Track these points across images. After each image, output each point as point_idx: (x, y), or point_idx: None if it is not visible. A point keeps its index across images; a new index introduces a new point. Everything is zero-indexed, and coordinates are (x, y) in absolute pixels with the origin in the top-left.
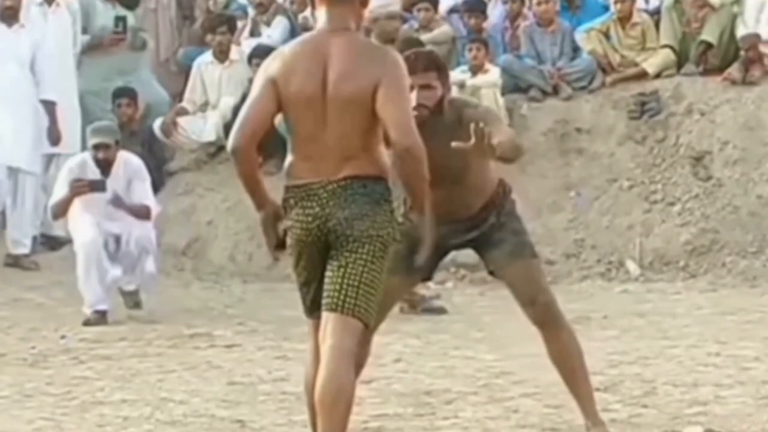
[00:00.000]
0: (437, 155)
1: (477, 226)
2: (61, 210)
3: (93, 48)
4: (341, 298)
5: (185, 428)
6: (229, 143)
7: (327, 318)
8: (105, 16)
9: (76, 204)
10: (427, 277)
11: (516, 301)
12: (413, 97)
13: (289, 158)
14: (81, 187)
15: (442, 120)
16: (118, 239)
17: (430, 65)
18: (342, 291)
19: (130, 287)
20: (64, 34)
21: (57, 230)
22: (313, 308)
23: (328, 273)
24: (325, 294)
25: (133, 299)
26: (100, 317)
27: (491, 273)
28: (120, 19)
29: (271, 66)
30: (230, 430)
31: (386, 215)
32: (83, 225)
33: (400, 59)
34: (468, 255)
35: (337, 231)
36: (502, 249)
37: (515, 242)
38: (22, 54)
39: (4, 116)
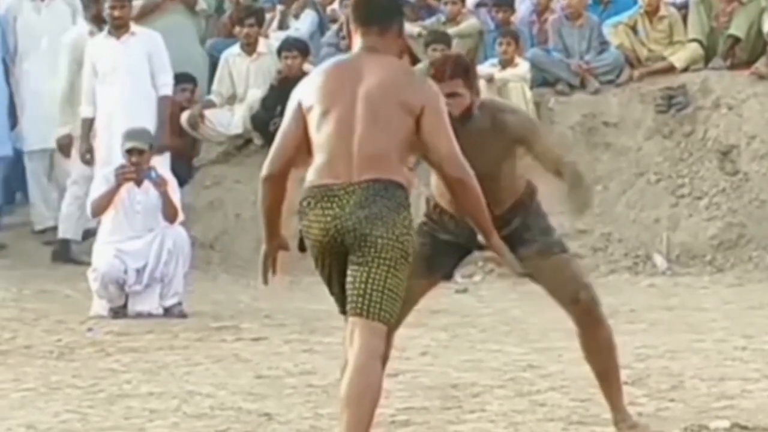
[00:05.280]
0: (468, 159)
1: (504, 226)
2: (103, 205)
3: (143, 16)
4: (366, 303)
5: (212, 421)
6: (264, 170)
7: (354, 322)
8: None
9: (102, 229)
10: (448, 277)
11: (556, 301)
12: None
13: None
14: (128, 173)
15: (472, 124)
16: (139, 271)
17: (457, 72)
18: (367, 296)
19: (173, 301)
20: (61, 27)
21: (87, 223)
22: (341, 308)
23: (350, 277)
24: (349, 298)
25: (178, 311)
26: (121, 309)
27: (528, 275)
28: None
29: (299, 87)
30: (257, 423)
31: (405, 222)
32: (104, 252)
33: (436, 86)
34: None
35: (356, 230)
36: (531, 248)
37: (544, 241)
38: (134, 65)
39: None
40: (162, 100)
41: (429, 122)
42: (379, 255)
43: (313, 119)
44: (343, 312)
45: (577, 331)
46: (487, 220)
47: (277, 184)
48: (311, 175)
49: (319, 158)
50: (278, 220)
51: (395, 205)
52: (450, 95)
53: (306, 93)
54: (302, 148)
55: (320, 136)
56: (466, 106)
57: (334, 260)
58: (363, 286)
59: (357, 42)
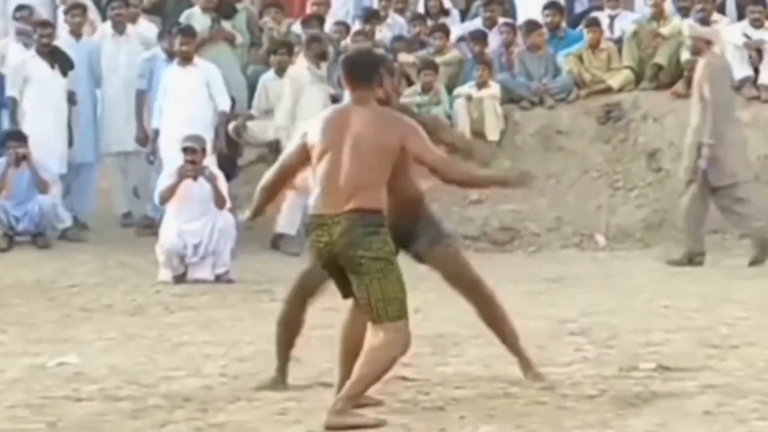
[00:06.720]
0: None
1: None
2: (168, 195)
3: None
4: (376, 313)
5: (252, 363)
6: (261, 182)
7: (372, 326)
8: (202, 23)
9: (167, 214)
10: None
11: (444, 281)
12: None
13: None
14: (189, 171)
15: None
16: (196, 246)
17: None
18: (374, 308)
19: (222, 270)
20: (135, 62)
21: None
22: (342, 295)
23: (356, 291)
24: (362, 308)
25: (226, 278)
26: (181, 276)
27: (418, 259)
28: (215, 21)
29: (308, 125)
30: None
31: (380, 238)
32: (169, 232)
33: (412, 120)
34: (472, 227)
35: (342, 254)
36: (422, 239)
37: (433, 233)
38: (195, 89)
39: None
40: (221, 114)
41: (412, 146)
42: (367, 272)
43: (314, 156)
44: (344, 297)
45: (475, 310)
46: (489, 178)
47: (265, 192)
48: (311, 203)
49: (316, 190)
50: (264, 206)
51: (370, 229)
52: None
53: (311, 132)
54: (293, 172)
55: (318, 171)
56: (383, 101)
57: (331, 270)
58: (368, 300)
59: (347, 93)
